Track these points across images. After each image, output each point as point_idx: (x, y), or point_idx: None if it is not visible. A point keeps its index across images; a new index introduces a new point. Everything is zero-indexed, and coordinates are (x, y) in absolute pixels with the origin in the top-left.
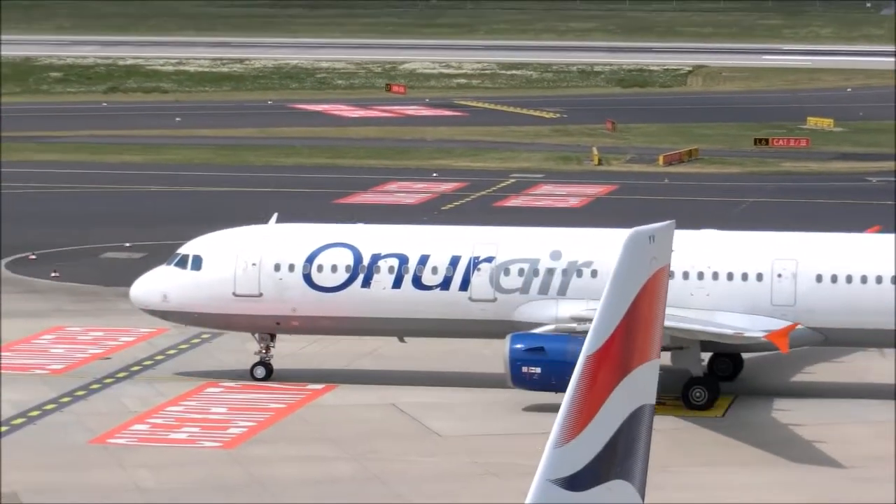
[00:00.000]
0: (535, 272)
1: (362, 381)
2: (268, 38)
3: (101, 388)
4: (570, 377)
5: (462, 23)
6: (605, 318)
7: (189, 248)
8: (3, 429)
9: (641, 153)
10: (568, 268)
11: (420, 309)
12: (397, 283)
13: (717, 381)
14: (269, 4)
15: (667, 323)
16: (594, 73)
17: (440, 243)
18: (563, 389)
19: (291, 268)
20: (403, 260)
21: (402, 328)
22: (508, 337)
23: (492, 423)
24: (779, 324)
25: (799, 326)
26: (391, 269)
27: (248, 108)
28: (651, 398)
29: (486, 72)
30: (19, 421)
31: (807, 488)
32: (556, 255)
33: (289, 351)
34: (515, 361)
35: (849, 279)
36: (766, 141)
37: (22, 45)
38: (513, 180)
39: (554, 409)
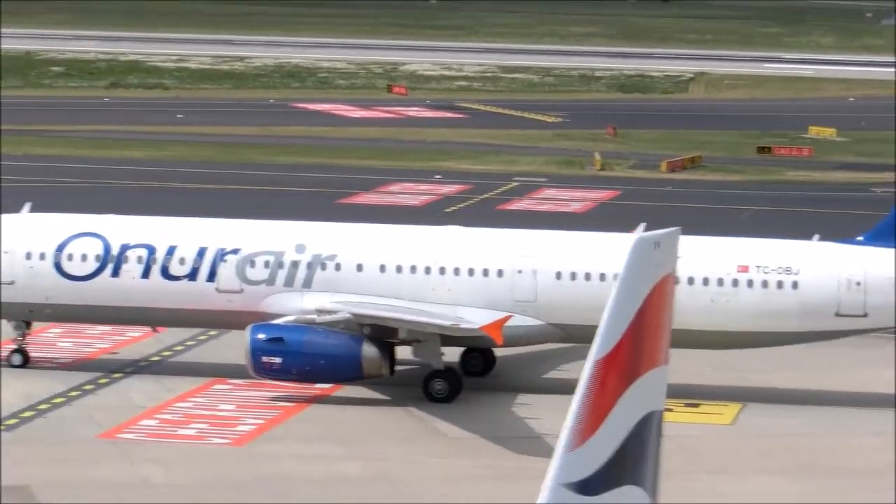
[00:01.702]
0: (280, 265)
1: (414, 383)
2: (269, 36)
3: (109, 383)
4: (309, 367)
5: (463, 25)
6: (612, 324)
7: None
8: (13, 421)
9: (642, 159)
10: (312, 261)
11: (168, 299)
12: (146, 273)
13: (458, 375)
14: (270, 3)
15: (392, 315)
16: (595, 78)
17: (188, 235)
18: (304, 380)
19: (42, 256)
20: (151, 250)
21: (152, 318)
22: (249, 327)
23: (500, 424)
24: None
25: (539, 322)
26: (140, 258)
27: (250, 107)
28: (660, 404)
29: (488, 74)
30: (29, 414)
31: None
32: (300, 249)
33: None
34: (256, 351)
35: (587, 277)
36: (770, 149)
37: (23, 39)
38: (516, 183)
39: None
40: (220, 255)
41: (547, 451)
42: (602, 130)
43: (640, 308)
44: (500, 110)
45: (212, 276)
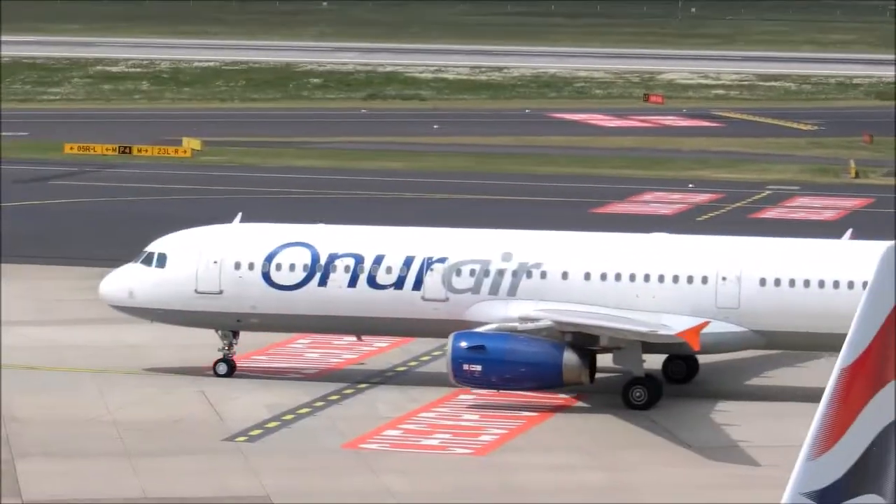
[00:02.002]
0: (486, 273)
1: (613, 390)
2: (527, 46)
3: (354, 393)
4: (509, 374)
5: (722, 34)
6: (859, 332)
7: (155, 247)
8: (257, 432)
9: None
10: (518, 269)
11: (374, 308)
12: (352, 283)
13: (658, 382)
14: (529, 13)
15: (591, 322)
16: (853, 86)
17: (395, 244)
18: (504, 387)
19: (251, 266)
20: (359, 259)
21: (357, 327)
22: (451, 335)
23: (743, 433)
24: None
25: (741, 329)
26: (347, 268)
27: (506, 117)
28: None
29: (745, 83)
30: (273, 424)
31: None
32: (506, 257)
33: None
34: (457, 359)
35: (791, 283)
36: None
37: (283, 52)
38: (768, 192)
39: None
40: (427, 264)
41: (786, 459)
42: (858, 138)
43: (888, 316)
44: (756, 118)
45: (418, 285)
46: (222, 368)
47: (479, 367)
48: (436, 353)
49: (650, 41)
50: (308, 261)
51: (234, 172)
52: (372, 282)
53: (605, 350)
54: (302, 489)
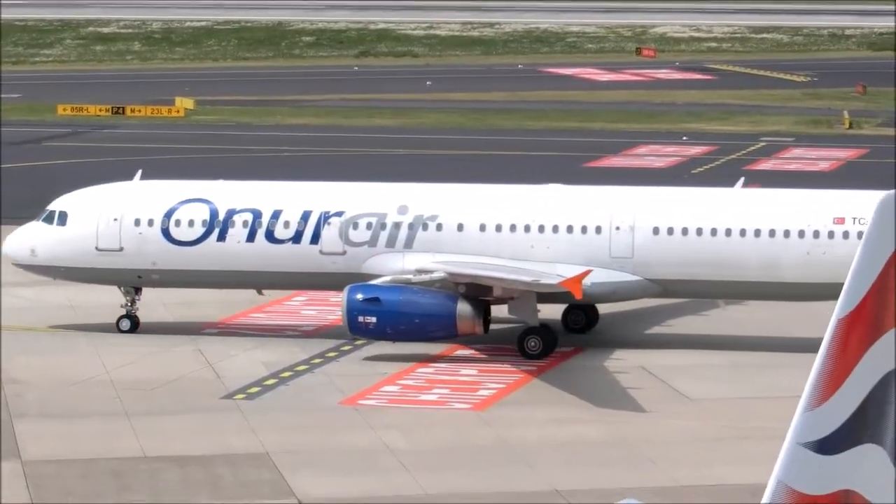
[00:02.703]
0: (383, 226)
1: (611, 344)
2: (518, 1)
3: (352, 350)
4: (404, 326)
5: None
6: (856, 281)
7: (56, 205)
8: (255, 390)
9: (892, 117)
10: (414, 222)
11: (273, 262)
12: (251, 237)
13: (553, 332)
14: None
15: (481, 273)
16: (845, 37)
17: (293, 199)
18: (399, 338)
19: (151, 223)
20: (257, 214)
21: (257, 281)
22: (346, 288)
23: (740, 385)
24: None
25: (636, 278)
26: (245, 223)
27: (498, 73)
28: None
29: (737, 35)
30: (271, 382)
31: None
32: (402, 210)
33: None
34: (352, 311)
35: (684, 232)
36: None
37: (274, 10)
38: (763, 144)
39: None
40: (325, 218)
41: (785, 411)
42: (851, 89)
43: (885, 265)
44: (748, 71)
45: (315, 239)
46: (125, 324)
47: (373, 319)
48: None
49: None
50: (207, 217)
51: (228, 131)
52: (270, 236)
53: (499, 301)
54: (301, 446)
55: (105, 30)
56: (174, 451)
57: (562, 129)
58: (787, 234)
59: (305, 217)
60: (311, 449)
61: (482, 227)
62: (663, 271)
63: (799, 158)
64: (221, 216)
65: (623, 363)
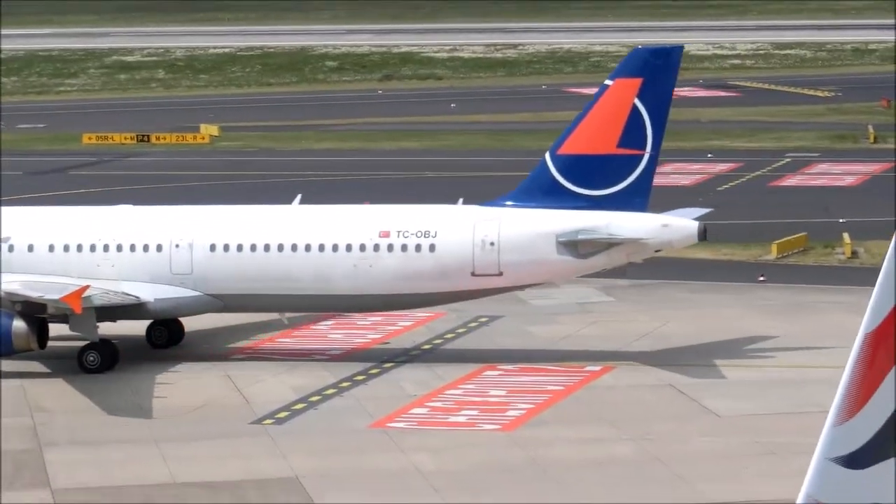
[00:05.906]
0: None
1: (640, 361)
2: (541, 23)
3: (380, 373)
4: None
5: (735, 3)
6: (881, 297)
7: None
8: (284, 414)
9: None
10: None
11: None
12: None
13: (113, 346)
14: None
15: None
16: (869, 51)
17: None
18: None
19: None
20: None
21: None
22: None
23: (769, 401)
24: None
25: (196, 293)
26: None
27: (523, 94)
28: None
29: (760, 52)
30: (300, 406)
31: None
32: None
33: (566, 333)
34: None
35: (239, 248)
36: None
37: (297, 36)
38: (788, 159)
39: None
40: None
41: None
42: (876, 103)
43: None
44: (772, 87)
45: None
46: None
47: None
48: (460, 331)
49: (664, 14)
50: None
51: (253, 157)
52: None
53: (57, 318)
54: (330, 470)
55: (129, 58)
56: (204, 477)
57: None
58: (335, 247)
59: None
60: (340, 472)
61: (51, 248)
62: (222, 286)
63: (825, 174)
64: None
65: (651, 381)
